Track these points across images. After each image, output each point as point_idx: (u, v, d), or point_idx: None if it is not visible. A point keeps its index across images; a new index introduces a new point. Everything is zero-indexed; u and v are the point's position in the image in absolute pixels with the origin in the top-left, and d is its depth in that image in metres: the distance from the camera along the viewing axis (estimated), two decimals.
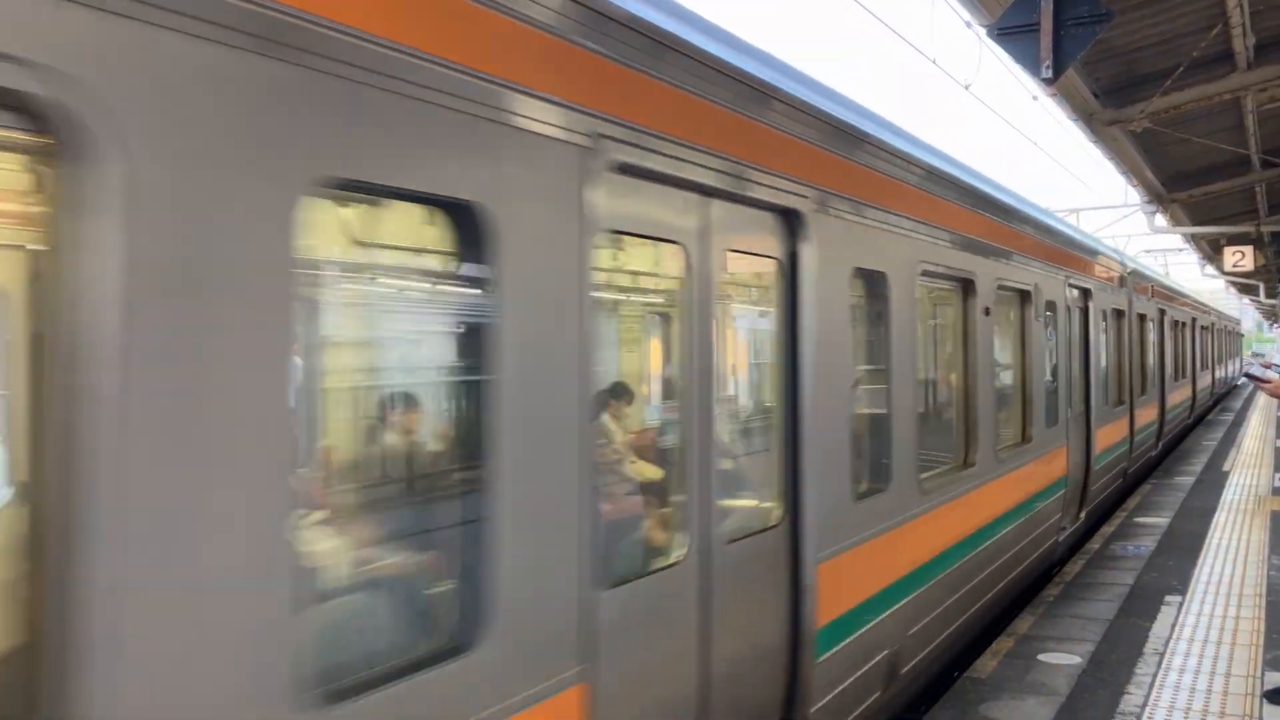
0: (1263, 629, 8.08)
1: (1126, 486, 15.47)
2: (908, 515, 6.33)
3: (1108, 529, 12.77)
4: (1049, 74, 8.39)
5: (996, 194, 8.64)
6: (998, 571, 8.41)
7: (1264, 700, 6.56)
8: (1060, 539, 10.80)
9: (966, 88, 14.75)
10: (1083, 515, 12.00)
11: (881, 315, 6.14)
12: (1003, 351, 8.90)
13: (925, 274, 6.75)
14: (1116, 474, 14.36)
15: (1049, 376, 10.31)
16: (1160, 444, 19.10)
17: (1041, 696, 6.84)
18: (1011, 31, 8.52)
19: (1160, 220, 23.84)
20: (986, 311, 8.06)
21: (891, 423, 6.16)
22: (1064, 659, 7.59)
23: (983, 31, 11.67)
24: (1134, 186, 21.65)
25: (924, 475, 6.71)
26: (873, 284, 6.03)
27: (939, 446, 7.54)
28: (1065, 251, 11.24)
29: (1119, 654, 7.66)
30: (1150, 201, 22.50)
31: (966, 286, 7.80)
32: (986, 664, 7.53)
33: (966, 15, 11.51)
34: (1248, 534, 11.96)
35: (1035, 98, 15.83)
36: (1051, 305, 10.26)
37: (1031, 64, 8.45)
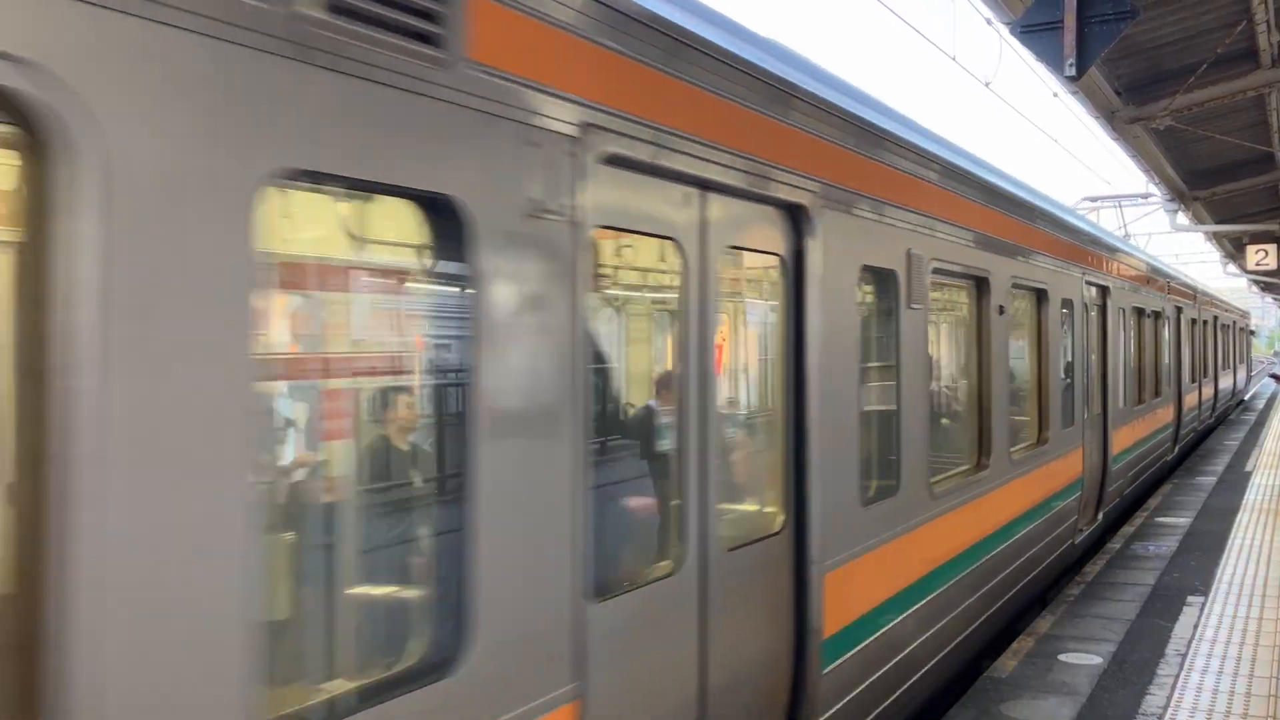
0: None
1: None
2: (1132, 418, 14.17)
3: (1128, 529, 12.73)
4: (1073, 71, 8.35)
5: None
6: (1153, 460, 16.37)
7: None
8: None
9: (987, 85, 14.71)
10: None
11: (1131, 328, 14.12)
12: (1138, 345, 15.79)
13: (1134, 309, 14.34)
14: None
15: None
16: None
17: (1062, 696, 6.83)
18: (1035, 29, 8.48)
19: (1182, 218, 23.69)
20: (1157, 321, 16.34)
21: (1130, 373, 14.04)
22: (1085, 659, 7.58)
23: (1003, 29, 11.64)
24: (1155, 184, 21.52)
25: (1138, 404, 14.84)
26: (1126, 315, 13.50)
27: (1144, 388, 15.49)
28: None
29: (1140, 654, 7.64)
30: (1172, 199, 22.35)
31: (1141, 311, 15.06)
32: (1007, 663, 7.52)
33: (988, 13, 11.47)
34: (1271, 535, 11.89)
35: (1055, 94, 15.75)
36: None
37: (1055, 61, 8.41)
